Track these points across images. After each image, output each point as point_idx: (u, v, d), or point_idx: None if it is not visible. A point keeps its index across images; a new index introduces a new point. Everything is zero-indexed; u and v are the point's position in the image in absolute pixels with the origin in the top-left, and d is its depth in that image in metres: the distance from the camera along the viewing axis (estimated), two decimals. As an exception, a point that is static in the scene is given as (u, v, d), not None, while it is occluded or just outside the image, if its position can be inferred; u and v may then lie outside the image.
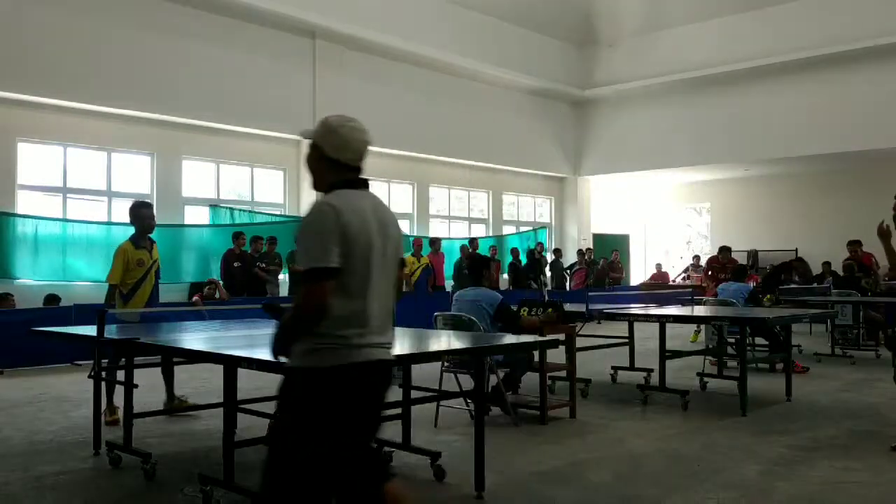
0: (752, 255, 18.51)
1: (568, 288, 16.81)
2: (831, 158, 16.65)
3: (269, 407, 5.25)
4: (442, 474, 4.40)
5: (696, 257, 18.75)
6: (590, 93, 18.75)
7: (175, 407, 6.30)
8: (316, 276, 2.39)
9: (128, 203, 12.06)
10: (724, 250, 12.14)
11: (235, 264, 11.51)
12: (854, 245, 12.14)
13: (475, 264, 6.47)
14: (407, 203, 16.57)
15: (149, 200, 9.37)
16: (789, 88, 16.01)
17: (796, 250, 17.85)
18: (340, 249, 2.42)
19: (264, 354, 3.75)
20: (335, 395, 2.45)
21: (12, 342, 8.22)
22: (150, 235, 6.32)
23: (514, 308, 6.30)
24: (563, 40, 18.33)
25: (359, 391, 2.50)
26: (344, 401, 2.47)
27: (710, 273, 12.25)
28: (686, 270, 18.92)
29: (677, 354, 7.51)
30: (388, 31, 14.12)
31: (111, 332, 4.86)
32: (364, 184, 2.64)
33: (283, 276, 12.51)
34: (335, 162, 2.59)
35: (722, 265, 11.78)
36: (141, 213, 6.33)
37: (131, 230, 6.26)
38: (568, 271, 17.60)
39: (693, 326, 11.21)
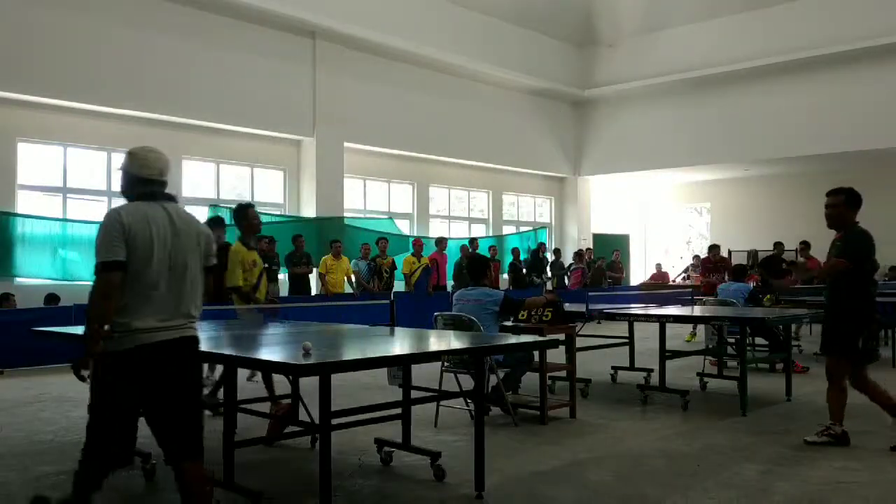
0: (752, 255, 18.46)
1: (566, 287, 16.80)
2: (831, 158, 16.65)
3: (270, 407, 5.28)
4: (442, 474, 4.40)
5: (696, 257, 18.68)
6: (590, 93, 18.76)
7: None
8: (104, 268, 2.95)
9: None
10: (713, 248, 12.66)
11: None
12: (803, 245, 12.28)
13: (475, 264, 6.45)
14: (407, 203, 16.57)
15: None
16: (789, 88, 16.03)
17: (796, 250, 17.82)
18: (125, 245, 2.97)
19: (264, 354, 3.74)
20: (120, 372, 3.00)
21: (12, 342, 8.21)
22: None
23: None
24: (563, 40, 18.33)
25: (139, 369, 3.01)
26: (127, 377, 3.01)
27: (704, 274, 12.59)
28: (686, 270, 18.90)
29: (677, 354, 7.51)
30: (388, 31, 14.12)
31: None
32: (163, 197, 3.17)
33: (283, 276, 12.50)
34: (138, 178, 3.16)
35: (714, 264, 12.12)
36: (248, 213, 6.32)
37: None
38: (568, 271, 17.61)
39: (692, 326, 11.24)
